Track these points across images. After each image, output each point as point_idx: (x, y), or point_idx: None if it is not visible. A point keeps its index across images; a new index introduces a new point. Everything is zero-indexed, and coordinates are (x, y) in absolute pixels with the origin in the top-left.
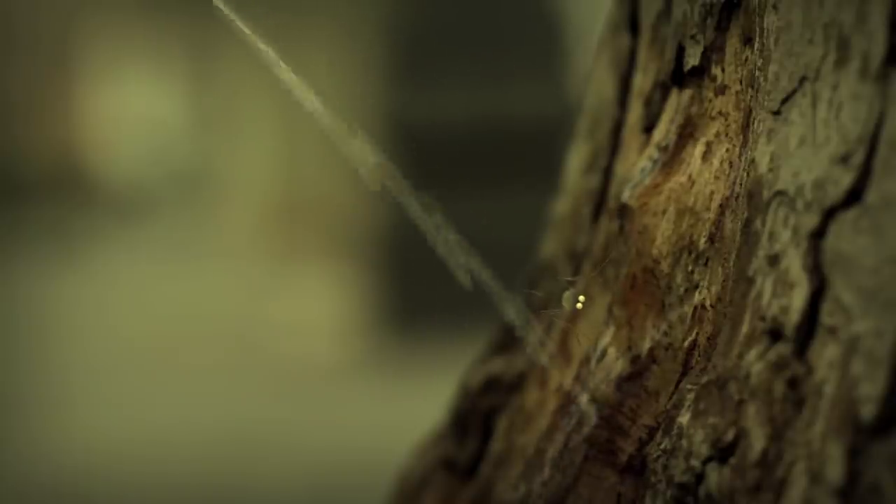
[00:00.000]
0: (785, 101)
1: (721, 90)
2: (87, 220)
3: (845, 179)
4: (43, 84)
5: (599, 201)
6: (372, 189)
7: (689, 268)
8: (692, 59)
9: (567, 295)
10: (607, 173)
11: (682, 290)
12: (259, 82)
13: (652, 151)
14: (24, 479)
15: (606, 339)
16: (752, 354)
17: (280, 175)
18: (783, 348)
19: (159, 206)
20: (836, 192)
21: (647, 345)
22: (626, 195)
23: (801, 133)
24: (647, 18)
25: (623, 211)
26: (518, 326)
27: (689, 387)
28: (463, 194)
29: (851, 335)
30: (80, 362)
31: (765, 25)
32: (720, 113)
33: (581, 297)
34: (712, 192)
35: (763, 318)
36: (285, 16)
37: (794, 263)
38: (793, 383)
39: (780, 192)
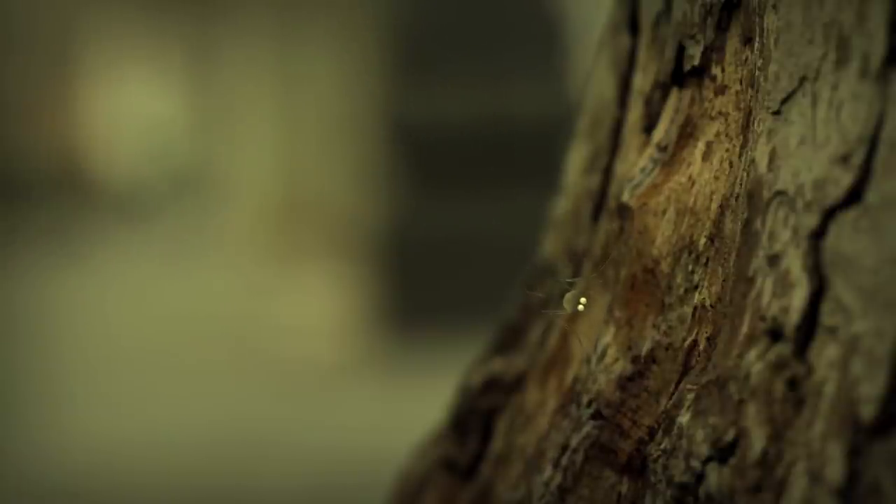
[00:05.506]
0: (785, 101)
1: (721, 90)
2: (87, 220)
3: (845, 179)
4: (43, 84)
5: (599, 201)
6: None
7: (690, 268)
8: (692, 59)
9: (568, 296)
10: (607, 173)
11: (682, 290)
12: (259, 82)
13: (652, 151)
14: (25, 479)
15: (607, 339)
16: (752, 354)
17: (280, 175)
18: (783, 348)
19: (159, 206)
20: (836, 192)
21: (647, 345)
22: (626, 195)
23: (801, 133)
24: (647, 18)
25: (623, 211)
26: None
27: (689, 387)
28: (463, 194)
29: (851, 335)
30: (80, 362)
31: (765, 25)
32: (720, 113)
33: (582, 300)
34: (712, 192)
35: (763, 318)
36: (286, 16)
37: (794, 263)
38: (793, 383)
39: (780, 192)
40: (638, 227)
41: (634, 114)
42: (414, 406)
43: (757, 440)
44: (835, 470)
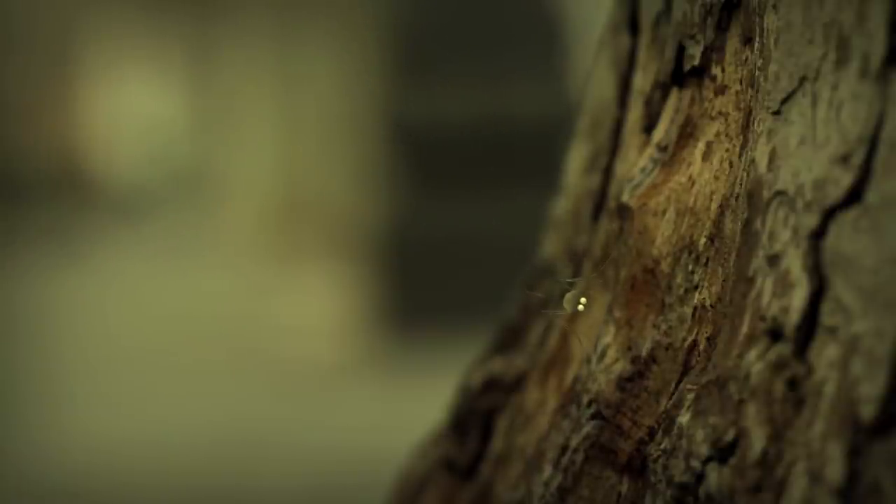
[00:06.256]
0: (785, 101)
1: (721, 90)
2: (87, 220)
3: (845, 179)
4: (43, 84)
5: (599, 201)
6: None
7: (690, 268)
8: (692, 59)
9: (568, 296)
10: (607, 173)
11: (682, 290)
12: (259, 82)
13: (652, 151)
14: (25, 479)
15: (607, 339)
16: (752, 354)
17: (280, 175)
18: (783, 348)
19: (159, 207)
20: (836, 192)
21: (647, 345)
22: (626, 195)
23: (801, 133)
24: (647, 18)
25: (623, 211)
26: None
27: (689, 387)
28: (463, 194)
29: (851, 335)
30: (80, 362)
31: (765, 25)
32: (720, 113)
33: (583, 300)
34: (712, 192)
35: (763, 318)
36: (286, 16)
37: (794, 263)
38: (793, 383)
39: (780, 192)
40: (638, 227)
41: (634, 114)
42: (414, 406)
43: (757, 440)
44: (835, 470)
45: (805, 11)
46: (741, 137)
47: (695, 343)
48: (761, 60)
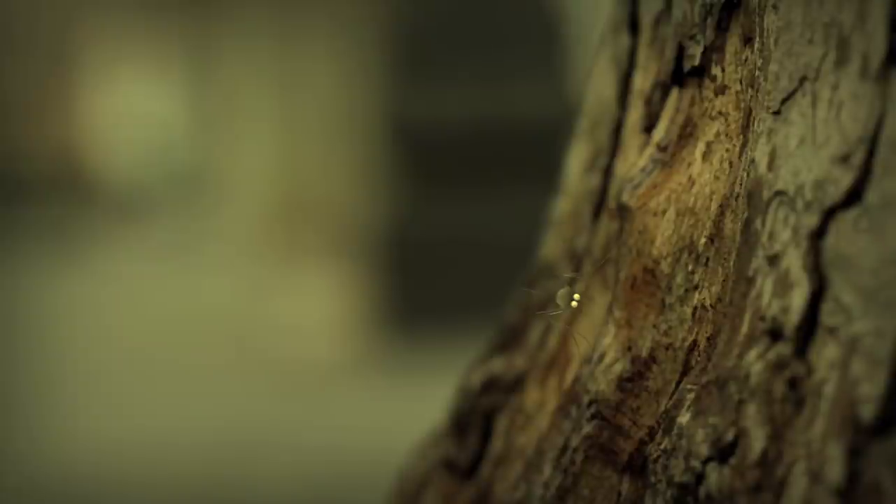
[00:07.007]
0: (785, 100)
1: (721, 90)
2: (87, 220)
3: (845, 179)
4: (42, 84)
5: (599, 201)
6: None
7: (690, 268)
8: (692, 59)
9: (562, 293)
10: (607, 173)
11: (682, 290)
12: (259, 82)
13: (652, 151)
14: (24, 478)
15: (607, 339)
16: (752, 354)
17: (280, 175)
18: (783, 348)
19: (159, 206)
20: (836, 192)
21: (647, 345)
22: (626, 195)
23: (801, 133)
24: (647, 18)
25: (623, 211)
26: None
27: (689, 387)
28: (463, 194)
29: (851, 335)
30: (80, 362)
31: (765, 25)
32: (720, 113)
33: (576, 295)
34: (712, 192)
35: (763, 318)
36: (285, 16)
37: (794, 263)
38: (793, 383)
39: (780, 192)
40: (638, 227)
41: (634, 114)
42: (414, 406)
43: (757, 440)
44: (835, 470)
45: (805, 11)
46: (741, 137)
47: (695, 343)
48: (761, 60)
